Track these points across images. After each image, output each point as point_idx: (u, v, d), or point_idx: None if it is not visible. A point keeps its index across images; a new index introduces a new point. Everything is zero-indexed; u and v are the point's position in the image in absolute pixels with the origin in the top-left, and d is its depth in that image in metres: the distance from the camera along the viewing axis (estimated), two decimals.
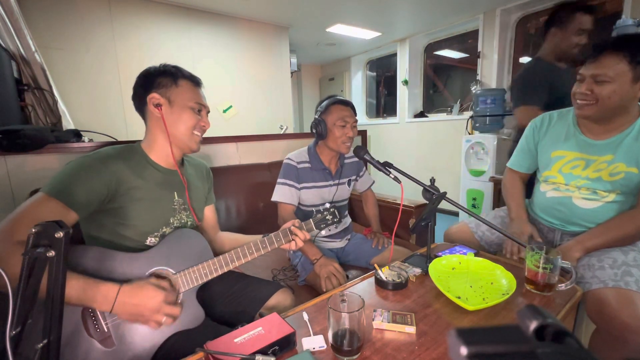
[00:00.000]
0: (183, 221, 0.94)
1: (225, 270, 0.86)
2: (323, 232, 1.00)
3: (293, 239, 0.92)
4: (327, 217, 0.98)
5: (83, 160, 0.78)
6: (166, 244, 0.85)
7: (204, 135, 0.97)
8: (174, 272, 0.82)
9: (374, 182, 1.60)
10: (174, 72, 0.90)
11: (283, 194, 1.32)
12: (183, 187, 0.95)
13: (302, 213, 1.40)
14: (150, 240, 0.86)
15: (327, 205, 0.99)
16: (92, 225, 0.83)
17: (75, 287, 0.66)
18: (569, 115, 1.16)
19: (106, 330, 0.74)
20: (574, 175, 1.10)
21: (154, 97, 0.87)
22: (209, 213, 1.10)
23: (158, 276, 0.79)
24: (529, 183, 1.33)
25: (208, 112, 0.96)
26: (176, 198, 0.93)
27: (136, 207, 0.83)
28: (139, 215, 0.83)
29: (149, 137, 0.91)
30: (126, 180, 0.82)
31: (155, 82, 0.88)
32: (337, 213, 0.99)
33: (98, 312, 0.74)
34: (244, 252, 0.87)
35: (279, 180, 1.35)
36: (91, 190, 0.75)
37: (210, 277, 0.84)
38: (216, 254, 0.88)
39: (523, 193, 1.29)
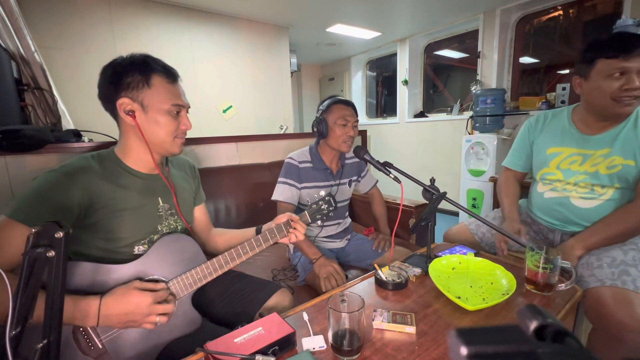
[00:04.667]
0: (172, 227, 0.88)
1: (220, 272, 0.82)
2: (319, 223, 0.95)
3: (293, 232, 0.86)
4: (322, 207, 0.92)
5: (48, 176, 0.71)
6: (155, 251, 0.79)
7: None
8: (166, 280, 0.78)
9: (377, 180, 1.59)
10: (144, 67, 0.77)
11: (283, 193, 1.32)
12: (167, 191, 0.88)
13: (301, 212, 1.40)
14: (138, 249, 0.81)
15: (322, 193, 0.94)
16: (72, 242, 0.76)
17: None
18: (563, 113, 1.17)
19: (101, 346, 0.71)
20: (572, 171, 1.11)
21: (124, 102, 0.76)
22: (200, 213, 1.04)
23: (142, 278, 0.75)
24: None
25: (188, 108, 0.86)
26: (161, 204, 0.86)
27: (118, 219, 0.77)
28: (123, 227, 0.77)
29: (122, 142, 0.82)
30: (102, 193, 0.75)
31: (124, 82, 0.76)
32: (332, 201, 0.94)
33: (89, 329, 0.71)
34: (238, 252, 0.83)
35: (279, 179, 1.35)
36: (59, 209, 0.68)
37: (204, 282, 0.81)
38: (210, 254, 0.84)
39: (517, 192, 1.29)
